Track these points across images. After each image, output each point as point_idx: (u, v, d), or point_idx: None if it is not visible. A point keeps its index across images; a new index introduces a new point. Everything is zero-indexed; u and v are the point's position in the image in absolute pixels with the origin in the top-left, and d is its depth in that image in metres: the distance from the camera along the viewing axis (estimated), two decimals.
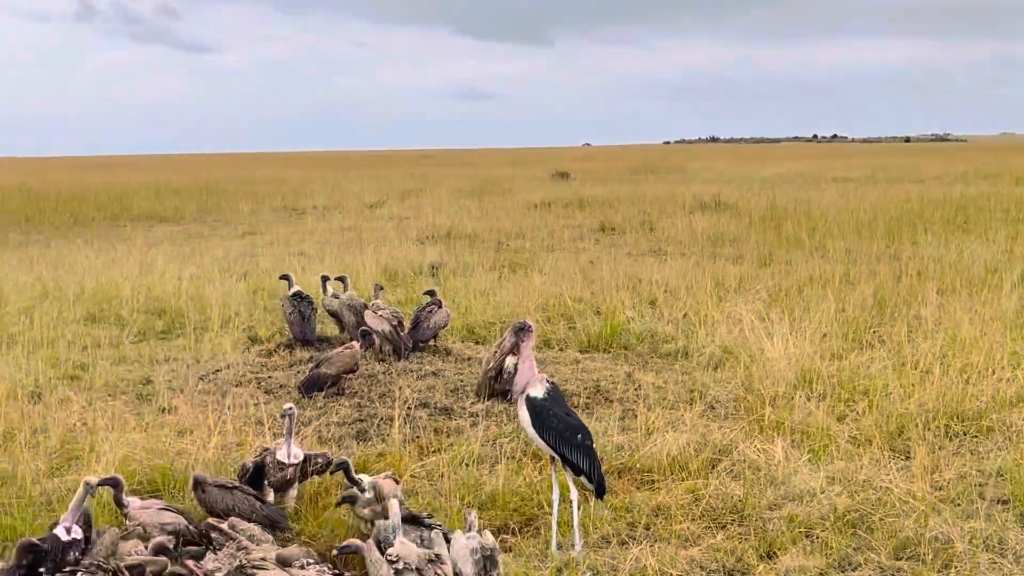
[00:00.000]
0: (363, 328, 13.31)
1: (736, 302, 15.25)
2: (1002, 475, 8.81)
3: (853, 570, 7.19)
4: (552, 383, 7.73)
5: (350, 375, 12.10)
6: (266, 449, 8.65)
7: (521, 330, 7.69)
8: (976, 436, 9.88)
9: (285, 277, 14.98)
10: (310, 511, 8.58)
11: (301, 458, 8.49)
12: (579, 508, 7.58)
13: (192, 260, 23.06)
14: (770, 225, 27.21)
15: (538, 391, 7.60)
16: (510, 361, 11.13)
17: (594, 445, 7.73)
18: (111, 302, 17.64)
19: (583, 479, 7.75)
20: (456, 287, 18.18)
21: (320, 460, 8.85)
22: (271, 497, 8.43)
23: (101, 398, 11.75)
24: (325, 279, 14.93)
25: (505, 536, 7.99)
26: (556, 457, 7.71)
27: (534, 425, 7.60)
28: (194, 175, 67.45)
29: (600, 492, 7.80)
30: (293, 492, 8.63)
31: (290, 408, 8.54)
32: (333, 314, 14.71)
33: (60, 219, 36.60)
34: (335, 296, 14.52)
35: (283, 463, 8.38)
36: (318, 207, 40.32)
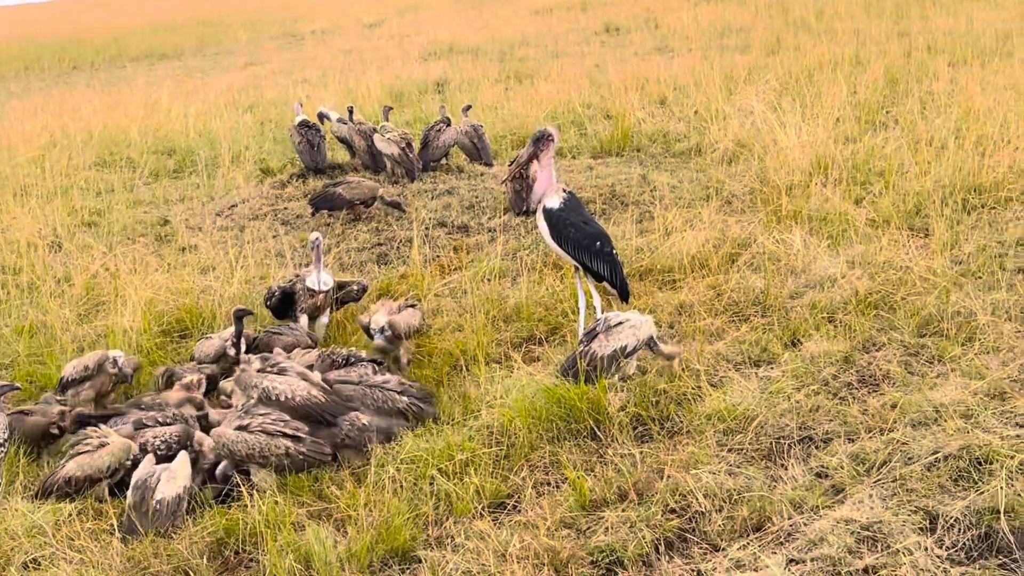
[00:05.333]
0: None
1: (746, 94, 15.05)
2: (1022, 244, 8.82)
3: (877, 350, 7.26)
4: (569, 192, 7.70)
5: (365, 207, 12.03)
6: (297, 275, 8.70)
7: (540, 139, 7.60)
8: (994, 208, 9.84)
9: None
10: (340, 337, 8.72)
11: (331, 285, 8.54)
12: (603, 313, 7.65)
13: (196, 96, 22.86)
14: (777, 11, 26.64)
15: (554, 201, 7.58)
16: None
17: (615, 251, 7.74)
18: (119, 145, 17.59)
19: (606, 285, 7.81)
20: (463, 102, 18.03)
21: (355, 287, 8.92)
22: (303, 322, 8.51)
23: (121, 242, 11.82)
24: (323, 116, 14.76)
25: (532, 347, 8.11)
26: (578, 266, 7.74)
27: (552, 236, 7.61)
28: (190, 10, 66.17)
29: (624, 296, 7.84)
30: (324, 319, 8.73)
31: (316, 238, 8.53)
32: (342, 140, 14.63)
33: (60, 66, 36.22)
34: (343, 122, 14.40)
35: (313, 290, 8.43)
36: (316, 31, 39.71)
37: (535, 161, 7.76)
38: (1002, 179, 10.25)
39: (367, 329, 8.11)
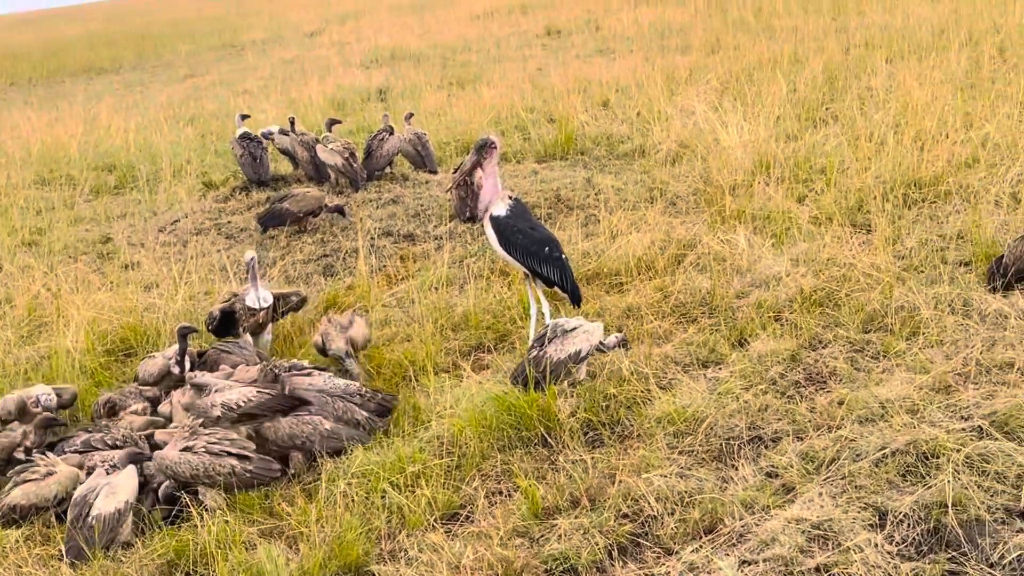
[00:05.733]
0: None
1: (688, 94, 15.13)
2: (962, 237, 8.92)
3: (823, 347, 7.32)
4: (515, 199, 7.69)
5: (312, 217, 11.95)
6: (235, 295, 8.62)
7: (483, 147, 7.60)
8: (935, 202, 9.95)
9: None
10: (287, 351, 8.66)
11: (271, 301, 8.47)
12: (551, 319, 7.64)
13: (136, 110, 22.68)
14: (716, 11, 26.81)
15: (500, 209, 7.57)
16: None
17: (564, 255, 7.73)
18: (59, 162, 17.38)
19: (557, 289, 7.80)
20: (406, 110, 17.98)
21: (294, 299, 8.85)
22: (248, 339, 8.44)
23: (62, 262, 11.67)
24: (267, 135, 14.60)
25: (481, 355, 8.09)
26: (528, 272, 7.73)
27: (500, 243, 7.60)
28: (128, 22, 65.71)
29: (576, 300, 7.79)
30: (268, 336, 8.66)
31: (252, 257, 8.44)
32: (285, 152, 14.53)
33: None
34: (284, 133, 14.30)
35: (253, 308, 8.37)
36: (257, 41, 39.48)
37: (479, 169, 7.76)
38: (941, 173, 10.37)
39: (322, 350, 8.02)
